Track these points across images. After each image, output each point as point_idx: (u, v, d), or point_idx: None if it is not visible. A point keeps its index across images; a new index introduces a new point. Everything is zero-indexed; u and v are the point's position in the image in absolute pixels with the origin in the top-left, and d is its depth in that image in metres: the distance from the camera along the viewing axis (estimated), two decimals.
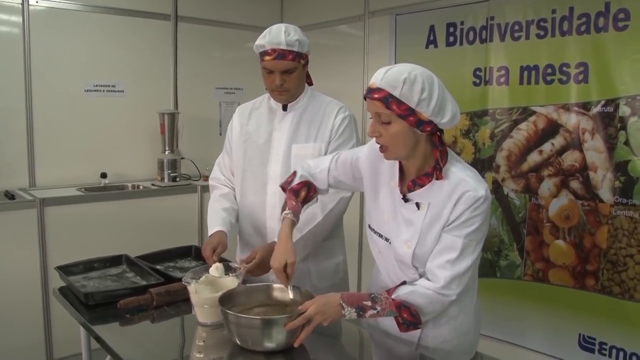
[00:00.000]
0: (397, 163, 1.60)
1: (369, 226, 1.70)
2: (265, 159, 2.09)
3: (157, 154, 3.91)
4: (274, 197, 2.07)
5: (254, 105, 2.20)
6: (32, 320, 3.20)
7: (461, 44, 3.24)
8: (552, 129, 2.88)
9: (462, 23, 3.22)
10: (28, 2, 3.48)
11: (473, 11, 3.16)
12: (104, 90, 3.82)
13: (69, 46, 3.66)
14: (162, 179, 3.82)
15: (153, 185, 3.81)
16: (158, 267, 2.22)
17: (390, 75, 1.42)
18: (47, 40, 3.57)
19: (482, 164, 3.16)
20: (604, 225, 2.71)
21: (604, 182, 2.70)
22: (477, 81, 3.18)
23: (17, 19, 3.46)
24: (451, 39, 3.29)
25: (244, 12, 4.41)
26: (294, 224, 1.72)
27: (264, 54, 1.96)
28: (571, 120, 2.80)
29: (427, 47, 3.43)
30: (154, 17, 3.98)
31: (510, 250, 3.09)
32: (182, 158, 3.95)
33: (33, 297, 3.20)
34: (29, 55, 3.50)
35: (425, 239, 1.50)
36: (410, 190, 1.54)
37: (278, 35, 1.93)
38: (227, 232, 2.00)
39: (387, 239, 1.61)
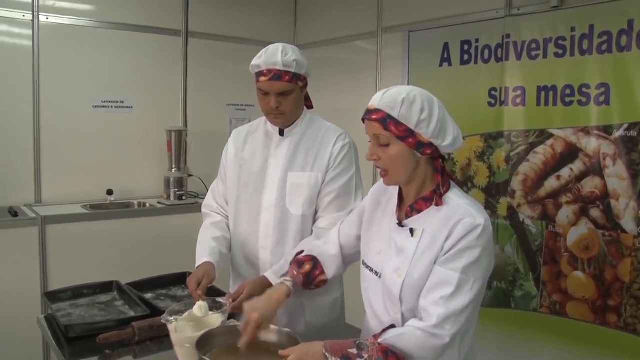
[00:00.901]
0: (397, 191, 1.52)
1: (363, 262, 1.59)
2: (260, 187, 1.98)
3: (164, 171, 3.84)
4: (267, 227, 1.96)
5: (251, 128, 2.10)
6: (30, 340, 3.11)
7: (476, 62, 3.11)
8: (571, 153, 2.72)
9: (477, 41, 3.10)
10: (38, 17, 3.46)
11: (488, 28, 3.04)
12: (112, 106, 3.78)
13: (78, 62, 3.63)
14: (168, 197, 3.75)
15: (159, 203, 3.74)
16: (149, 294, 2.14)
17: (389, 96, 1.37)
18: (56, 56, 3.55)
19: (496, 189, 3.01)
20: (626, 258, 2.53)
21: (627, 211, 2.53)
22: (493, 101, 3.04)
23: (27, 33, 3.45)
24: (466, 57, 3.16)
25: (256, 28, 4.35)
26: (289, 291, 1.62)
27: (259, 74, 1.87)
28: (591, 144, 2.64)
29: (440, 65, 3.30)
30: (164, 33, 3.94)
31: (526, 280, 2.93)
32: (190, 175, 3.88)
33: (32, 316, 3.12)
34: (38, 70, 3.48)
35: (416, 268, 1.38)
36: (407, 217, 1.45)
37: (274, 55, 1.84)
38: (216, 262, 1.88)
39: (377, 273, 1.50)
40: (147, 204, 3.75)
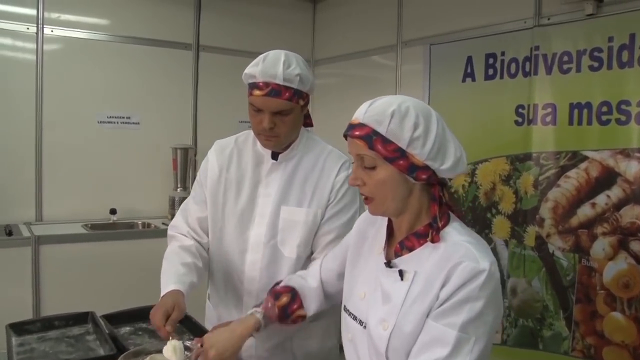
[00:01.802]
0: (385, 223, 1.27)
1: (344, 307, 1.33)
2: (246, 219, 1.68)
3: (170, 191, 3.66)
4: (253, 269, 1.68)
5: (237, 144, 1.76)
6: None
7: (502, 77, 2.85)
8: (608, 178, 2.42)
9: (502, 54, 2.83)
10: (43, 30, 3.35)
11: (515, 40, 2.77)
12: (118, 122, 3.64)
13: (83, 76, 3.51)
14: (173, 218, 3.55)
15: (164, 224, 3.55)
16: (127, 328, 1.92)
17: (376, 107, 1.13)
18: (60, 70, 3.44)
19: (523, 216, 2.72)
20: None
21: None
22: (520, 120, 2.76)
23: (32, 46, 3.34)
24: (490, 71, 2.90)
25: (272, 42, 4.12)
26: (258, 325, 1.40)
27: (253, 86, 1.55)
28: (631, 168, 2.34)
29: (463, 80, 3.05)
30: (174, 47, 3.80)
31: (556, 319, 2.61)
32: None
33: None
34: (41, 84, 3.37)
35: (405, 320, 1.12)
36: (397, 255, 1.20)
37: (274, 65, 1.53)
38: (186, 292, 1.56)
39: (361, 322, 1.23)
40: (152, 225, 3.57)
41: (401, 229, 1.21)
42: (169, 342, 1.43)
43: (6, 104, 3.28)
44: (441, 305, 1.07)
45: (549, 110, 2.63)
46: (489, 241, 2.88)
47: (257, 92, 1.53)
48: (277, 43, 4.44)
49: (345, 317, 1.31)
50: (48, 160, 3.42)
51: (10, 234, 3.03)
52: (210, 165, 1.75)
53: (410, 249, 1.17)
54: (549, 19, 2.67)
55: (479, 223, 2.93)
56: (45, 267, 3.00)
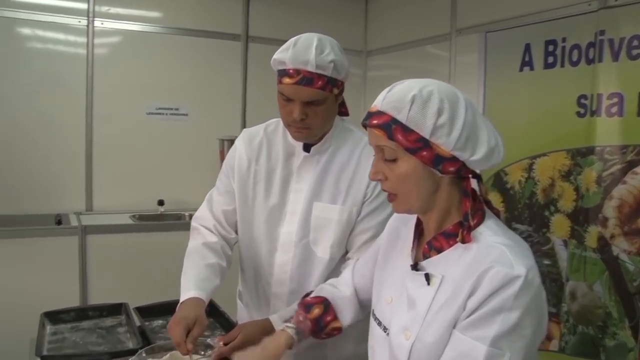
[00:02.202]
0: (413, 219, 1.16)
1: (372, 312, 1.22)
2: (276, 216, 1.58)
3: None
4: (283, 270, 1.58)
5: (266, 133, 1.64)
6: None
7: (562, 65, 2.64)
8: None
9: (564, 40, 2.62)
10: (93, 23, 3.38)
11: (578, 25, 2.56)
12: (166, 114, 3.64)
13: (132, 67, 3.53)
14: None
15: None
16: (160, 321, 1.89)
17: (395, 93, 1.02)
18: (110, 62, 3.47)
19: (585, 215, 2.51)
20: None
21: None
22: (582, 111, 2.55)
23: (82, 39, 3.38)
24: (550, 59, 2.70)
25: (323, 32, 4.03)
26: (291, 342, 1.31)
27: (283, 73, 1.44)
28: None
29: (521, 69, 2.85)
30: (223, 38, 3.77)
31: (620, 328, 2.39)
32: None
33: None
34: (92, 76, 3.41)
35: (429, 329, 1.00)
36: (425, 257, 1.09)
37: (306, 51, 1.41)
38: (206, 300, 1.45)
39: (385, 329, 1.12)
40: None
41: (429, 228, 1.10)
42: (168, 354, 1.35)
43: (58, 96, 3.33)
44: (470, 315, 0.95)
45: (615, 100, 2.40)
46: (547, 241, 2.68)
47: (287, 80, 1.43)
48: (328, 34, 4.35)
49: (371, 323, 1.20)
50: (98, 151, 3.47)
51: (59, 223, 3.07)
52: (238, 155, 1.64)
53: (439, 250, 1.06)
54: (616, 0, 2.44)
55: (536, 221, 2.74)
56: (92, 257, 3.03)
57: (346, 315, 1.36)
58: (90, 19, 3.37)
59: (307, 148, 1.57)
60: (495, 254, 0.96)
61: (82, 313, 1.91)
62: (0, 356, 2.68)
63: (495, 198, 2.96)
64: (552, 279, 2.64)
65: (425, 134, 0.98)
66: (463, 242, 1.00)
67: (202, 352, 1.36)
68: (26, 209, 3.27)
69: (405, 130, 0.99)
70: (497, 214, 1.08)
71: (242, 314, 1.78)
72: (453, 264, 1.01)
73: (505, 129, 2.88)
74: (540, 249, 2.70)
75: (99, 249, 3.04)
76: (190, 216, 3.58)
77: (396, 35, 3.94)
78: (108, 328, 1.84)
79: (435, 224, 1.07)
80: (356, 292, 1.38)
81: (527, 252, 1.00)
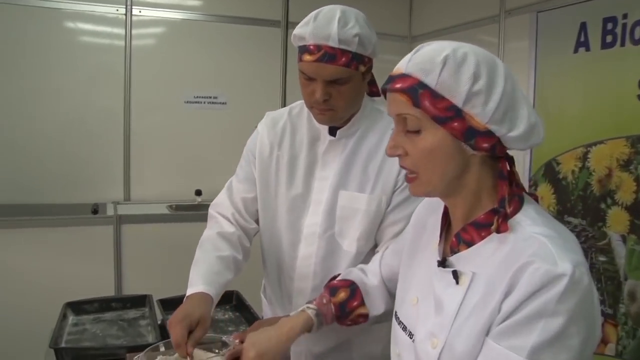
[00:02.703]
0: (442, 208, 1.01)
1: (395, 314, 1.08)
2: (300, 206, 1.46)
3: None
4: (307, 264, 1.46)
5: (290, 117, 1.52)
6: None
7: (622, 44, 2.41)
8: None
9: (624, 16, 2.39)
10: (131, 11, 3.36)
11: None
12: (204, 102, 3.59)
13: (170, 56, 3.50)
14: None
15: None
16: None
17: (424, 53, 0.88)
18: (148, 50, 3.45)
19: None
20: None
21: None
22: None
23: (120, 28, 3.36)
24: (609, 38, 2.47)
25: (367, 17, 3.94)
26: (310, 324, 1.19)
27: (303, 50, 1.32)
28: None
29: (576, 51, 2.64)
30: (262, 24, 3.68)
31: None
32: None
33: None
34: (130, 65, 3.39)
35: (458, 337, 0.86)
36: (453, 251, 0.94)
37: (328, 24, 1.28)
38: (215, 296, 1.33)
39: (411, 334, 0.98)
40: None
41: (456, 216, 0.95)
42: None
43: (96, 86, 3.33)
44: (505, 320, 0.80)
45: None
46: (602, 236, 2.47)
47: (307, 57, 1.30)
48: (372, 19, 4.19)
49: (394, 327, 1.06)
50: (136, 141, 3.45)
51: (95, 212, 3.07)
52: (260, 139, 1.53)
53: (469, 244, 0.91)
54: None
55: (591, 215, 2.53)
56: (127, 246, 3.01)
57: (374, 303, 1.24)
58: (128, 7, 3.35)
59: (333, 132, 1.44)
60: (534, 247, 0.81)
61: (105, 304, 1.86)
62: (29, 344, 2.69)
63: (546, 189, 2.76)
64: (608, 278, 2.43)
65: (458, 101, 0.84)
66: (498, 231, 0.85)
67: (217, 350, 1.26)
68: (66, 198, 3.28)
69: (434, 96, 0.85)
70: (535, 198, 0.94)
71: (266, 310, 1.69)
72: (486, 259, 0.87)
73: (558, 116, 2.71)
74: (595, 244, 2.49)
75: (134, 239, 3.02)
76: None
77: (442, 19, 3.75)
78: (130, 320, 1.79)
79: (463, 212, 0.93)
80: (384, 283, 1.26)
81: (574, 245, 0.85)
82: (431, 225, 1.05)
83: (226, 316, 1.85)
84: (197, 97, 3.57)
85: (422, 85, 0.85)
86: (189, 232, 3.10)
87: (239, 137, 3.56)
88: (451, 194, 0.92)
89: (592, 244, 2.50)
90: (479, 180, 0.90)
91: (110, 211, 3.11)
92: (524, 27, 2.97)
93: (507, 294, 0.81)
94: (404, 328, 1.01)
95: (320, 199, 1.44)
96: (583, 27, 2.59)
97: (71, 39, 3.27)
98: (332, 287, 1.25)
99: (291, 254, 1.48)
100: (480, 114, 0.84)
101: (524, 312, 0.78)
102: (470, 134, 0.85)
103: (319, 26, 1.29)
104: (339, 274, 1.32)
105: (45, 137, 3.24)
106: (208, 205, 3.51)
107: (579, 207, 2.59)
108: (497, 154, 0.88)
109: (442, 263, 0.93)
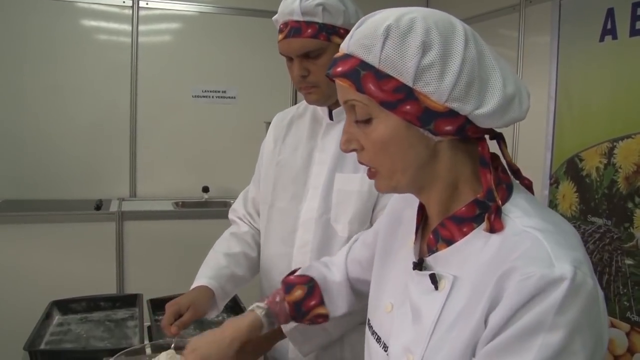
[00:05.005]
0: (416, 203, 0.87)
1: (368, 322, 0.94)
2: (299, 193, 1.42)
3: None
4: (303, 251, 1.38)
5: (297, 111, 1.53)
6: None
7: None
8: None
9: None
10: (138, 3, 3.28)
11: None
12: (213, 96, 3.50)
13: (178, 49, 3.43)
14: None
15: None
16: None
17: (365, 27, 0.74)
18: (155, 44, 3.39)
19: None
20: None
21: None
22: None
23: (127, 21, 3.29)
24: (638, 25, 2.30)
25: (379, 8, 3.81)
26: (258, 326, 1.08)
27: (279, 32, 1.33)
28: None
29: (601, 39, 2.47)
30: (272, 16, 3.55)
31: None
32: None
33: None
34: (136, 58, 3.31)
35: (439, 352, 0.72)
36: (431, 250, 0.79)
37: (292, 1, 1.27)
38: (216, 290, 1.36)
39: (385, 346, 0.84)
40: None
41: (432, 211, 0.81)
42: (164, 353, 1.19)
43: (102, 80, 3.27)
44: (495, 337, 0.66)
45: None
46: (629, 237, 2.30)
47: (279, 37, 1.32)
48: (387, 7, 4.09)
49: (368, 337, 0.92)
50: (142, 136, 3.39)
51: (98, 208, 2.99)
52: (266, 138, 1.58)
53: (449, 242, 0.76)
54: None
55: (617, 214, 2.36)
56: (130, 243, 2.94)
57: (335, 303, 1.10)
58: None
59: (331, 117, 1.41)
60: (525, 245, 0.67)
61: (93, 303, 1.76)
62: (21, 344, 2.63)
63: (568, 187, 2.60)
64: (635, 282, 2.26)
65: (407, 79, 0.70)
66: (492, 230, 0.70)
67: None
68: (72, 194, 3.23)
69: (379, 76, 0.71)
70: (528, 185, 0.79)
71: None
72: (468, 259, 0.72)
73: (581, 109, 2.54)
74: (621, 246, 2.32)
75: (137, 236, 2.95)
76: None
77: (461, 8, 3.59)
78: (118, 321, 1.69)
79: (439, 206, 0.79)
80: (349, 280, 1.12)
81: (574, 239, 0.70)
82: (407, 219, 0.90)
83: (220, 318, 1.74)
84: (206, 91, 3.48)
85: (364, 65, 0.72)
86: (195, 230, 3.04)
87: (248, 133, 3.51)
88: (422, 188, 0.78)
89: (618, 246, 2.33)
90: (452, 169, 0.76)
91: (114, 207, 3.03)
92: (546, 15, 2.81)
93: (493, 303, 0.66)
94: (378, 339, 0.87)
95: (317, 183, 1.39)
96: (610, 13, 2.42)
97: (78, 32, 3.22)
98: (288, 284, 1.12)
99: (288, 243, 1.42)
100: (436, 92, 0.69)
101: (517, 326, 0.64)
102: (428, 118, 0.71)
103: (285, 4, 1.30)
104: (298, 268, 1.20)
105: (51, 133, 3.19)
106: (215, 202, 3.44)
107: (604, 207, 2.42)
108: (469, 136, 0.74)
109: (419, 265, 0.79)
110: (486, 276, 0.68)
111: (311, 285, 1.10)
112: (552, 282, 0.63)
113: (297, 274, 1.15)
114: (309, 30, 1.25)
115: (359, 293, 1.12)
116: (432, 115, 0.70)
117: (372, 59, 0.71)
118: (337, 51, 1.24)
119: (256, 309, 1.09)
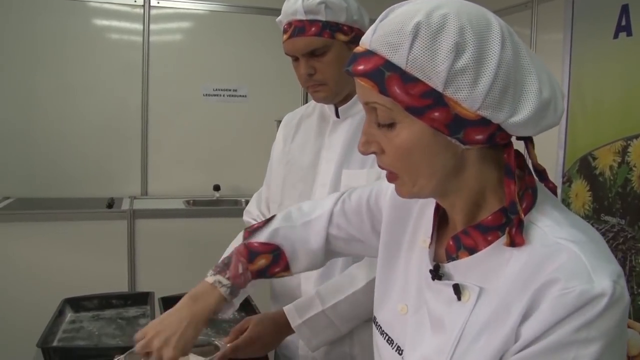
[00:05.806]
0: (432, 204, 0.83)
1: (374, 320, 0.91)
2: (307, 191, 1.44)
3: None
4: None
5: (306, 111, 1.55)
6: None
7: None
8: None
9: None
10: (149, 2, 3.28)
11: None
12: (224, 95, 3.51)
13: (189, 48, 3.44)
14: None
15: None
16: None
17: (391, 21, 0.67)
18: (166, 42, 3.39)
19: None
20: None
21: None
22: None
23: (138, 20, 3.30)
24: None
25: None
26: (222, 301, 1.01)
27: (283, 33, 1.36)
28: None
29: (616, 36, 2.44)
30: None
31: None
32: None
33: None
34: (148, 57, 3.32)
35: None
36: (450, 257, 0.76)
37: (295, 1, 1.30)
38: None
39: (399, 349, 0.82)
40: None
41: (455, 218, 0.77)
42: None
43: (114, 79, 3.28)
44: (525, 347, 0.64)
45: None
46: None
47: (284, 38, 1.34)
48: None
49: (375, 334, 0.90)
50: (154, 134, 3.41)
51: (110, 206, 3.00)
52: (276, 140, 1.62)
53: (471, 250, 0.72)
54: None
55: (631, 214, 2.33)
56: (141, 241, 2.95)
57: (299, 264, 1.07)
58: None
59: (338, 115, 1.43)
60: (562, 259, 0.63)
61: (105, 301, 1.77)
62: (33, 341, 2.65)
63: (581, 186, 2.57)
64: None
65: (437, 84, 0.64)
66: (512, 245, 0.67)
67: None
68: (84, 193, 3.25)
69: (406, 79, 0.65)
70: (552, 189, 0.75)
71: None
72: (494, 270, 0.69)
73: (595, 107, 2.51)
74: (635, 245, 2.29)
75: (148, 234, 2.96)
76: (247, 202, 3.44)
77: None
78: (130, 319, 1.69)
79: (464, 214, 0.75)
80: (326, 244, 1.06)
81: (607, 250, 0.67)
82: (418, 214, 0.86)
83: (230, 316, 1.74)
84: (217, 90, 3.49)
85: (389, 65, 0.65)
86: (206, 228, 3.05)
87: (259, 131, 3.51)
88: (446, 195, 0.74)
89: (632, 245, 2.31)
90: (479, 178, 0.72)
91: (126, 206, 3.04)
92: (558, 12, 2.79)
93: (526, 317, 0.64)
94: (389, 340, 0.84)
95: (325, 181, 1.40)
96: (624, 9, 2.40)
97: (89, 32, 3.24)
98: (251, 250, 1.04)
99: None
100: (468, 98, 0.64)
101: (550, 339, 0.62)
102: (457, 126, 0.65)
103: (288, 4, 1.33)
104: (263, 222, 1.10)
105: (63, 132, 3.22)
106: (226, 201, 3.45)
107: (617, 205, 2.39)
108: (498, 143, 0.69)
109: (436, 272, 0.75)
110: (516, 287, 0.65)
111: (277, 254, 1.05)
112: (592, 299, 0.61)
113: (263, 238, 1.06)
114: (313, 29, 1.28)
115: (332, 253, 1.08)
116: (462, 123, 0.65)
117: (398, 59, 0.65)
118: (342, 48, 1.30)
119: (219, 286, 1.01)
